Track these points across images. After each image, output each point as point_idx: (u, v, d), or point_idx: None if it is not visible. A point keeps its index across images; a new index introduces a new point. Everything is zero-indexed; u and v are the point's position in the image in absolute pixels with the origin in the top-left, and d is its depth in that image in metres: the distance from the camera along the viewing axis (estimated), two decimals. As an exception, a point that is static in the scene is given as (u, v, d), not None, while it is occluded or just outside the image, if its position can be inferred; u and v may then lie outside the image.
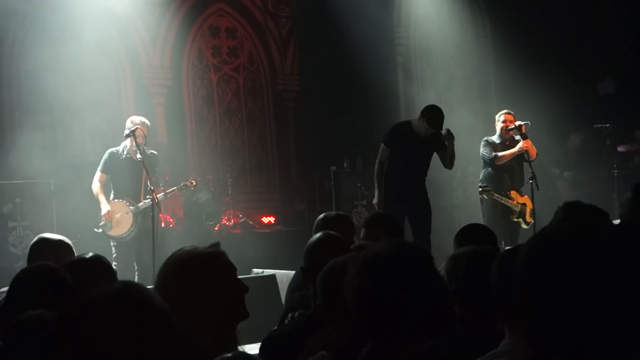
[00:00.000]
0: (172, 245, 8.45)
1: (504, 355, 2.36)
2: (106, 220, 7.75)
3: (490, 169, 8.85)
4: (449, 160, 8.10)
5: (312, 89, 11.58)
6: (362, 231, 4.77)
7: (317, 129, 11.27)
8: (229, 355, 1.95)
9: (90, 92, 9.44)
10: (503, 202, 8.65)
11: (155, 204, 7.58)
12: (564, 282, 1.63)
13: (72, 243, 4.43)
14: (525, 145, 8.68)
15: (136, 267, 7.87)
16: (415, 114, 11.91)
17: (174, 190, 8.11)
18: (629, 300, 1.61)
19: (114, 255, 7.80)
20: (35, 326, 2.42)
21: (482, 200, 8.81)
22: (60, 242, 4.40)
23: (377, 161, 8.04)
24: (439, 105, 8.12)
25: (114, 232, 7.81)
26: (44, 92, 9.17)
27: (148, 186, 7.64)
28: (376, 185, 7.97)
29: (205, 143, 11.11)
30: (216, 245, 2.63)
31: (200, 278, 2.48)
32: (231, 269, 2.60)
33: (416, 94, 12.10)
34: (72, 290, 2.91)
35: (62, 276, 2.99)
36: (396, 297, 2.28)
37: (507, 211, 8.71)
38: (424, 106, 8.22)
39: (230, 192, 10.33)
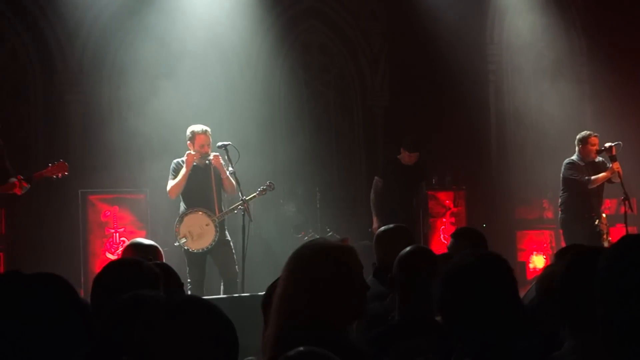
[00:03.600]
0: (262, 257, 8.63)
1: (572, 355, 2.38)
2: (185, 235, 7.62)
3: (575, 192, 8.69)
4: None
5: (402, 105, 11.60)
6: (450, 241, 4.93)
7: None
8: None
9: (185, 109, 9.67)
10: (601, 229, 8.52)
11: (247, 215, 7.56)
12: None
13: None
14: (617, 167, 8.53)
15: (222, 280, 7.72)
16: (506, 131, 11.91)
17: (254, 196, 7.89)
18: None
19: (188, 270, 7.63)
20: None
21: (564, 223, 8.73)
22: (151, 247, 4.56)
23: (372, 192, 9.33)
24: None
25: (195, 246, 7.62)
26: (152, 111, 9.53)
27: (222, 194, 7.71)
28: (374, 213, 9.22)
29: (294, 157, 11.24)
30: (346, 240, 2.74)
31: (339, 268, 2.54)
32: (360, 265, 2.67)
33: (507, 112, 11.99)
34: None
35: (151, 270, 3.02)
36: (478, 306, 2.36)
37: (597, 235, 8.56)
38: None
39: (318, 205, 10.43)
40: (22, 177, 7.35)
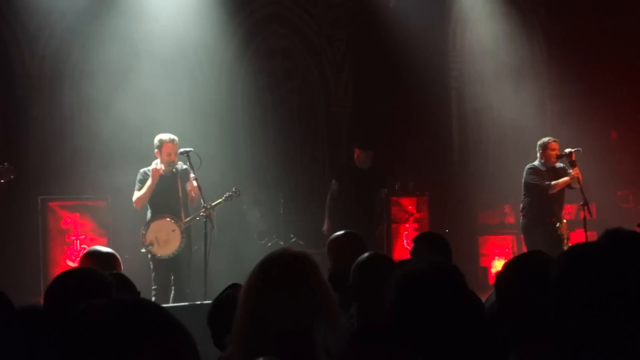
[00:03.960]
0: (224, 264, 8.59)
1: None
2: (151, 241, 7.66)
3: (536, 197, 8.78)
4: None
5: (365, 111, 11.64)
6: (412, 246, 4.92)
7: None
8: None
9: (149, 113, 9.63)
10: (562, 233, 8.63)
11: (209, 222, 7.59)
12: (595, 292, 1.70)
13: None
14: (576, 172, 8.64)
15: (173, 286, 7.73)
16: (468, 137, 12.01)
17: (219, 202, 7.95)
18: None
19: (153, 275, 7.70)
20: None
21: (525, 228, 8.83)
22: (109, 255, 4.52)
23: (329, 195, 9.43)
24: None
25: (161, 252, 7.67)
26: (114, 115, 9.45)
27: (187, 201, 7.75)
28: (327, 215, 9.35)
29: (258, 164, 11.23)
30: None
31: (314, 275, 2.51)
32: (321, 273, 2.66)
33: (470, 119, 12.10)
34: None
35: (104, 279, 2.99)
36: (428, 312, 2.37)
37: (557, 240, 8.65)
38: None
39: (282, 212, 10.42)
40: None
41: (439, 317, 2.39)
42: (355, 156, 9.34)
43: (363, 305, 3.36)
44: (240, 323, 2.37)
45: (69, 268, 4.05)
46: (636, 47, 11.48)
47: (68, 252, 8.71)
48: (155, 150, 7.76)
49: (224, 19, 10.78)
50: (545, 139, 8.96)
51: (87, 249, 4.83)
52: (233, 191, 8.09)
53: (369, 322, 3.34)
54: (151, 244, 7.64)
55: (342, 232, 4.87)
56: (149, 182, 7.64)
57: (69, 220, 8.80)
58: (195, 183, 7.68)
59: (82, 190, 9.23)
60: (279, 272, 2.45)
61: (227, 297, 3.10)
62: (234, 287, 3.18)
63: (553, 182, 8.70)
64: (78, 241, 8.71)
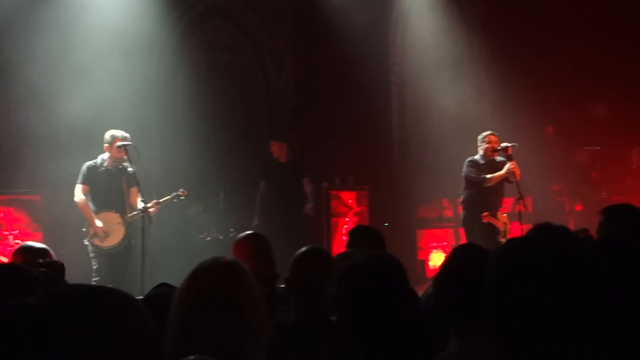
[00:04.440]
0: (163, 258, 8.52)
1: (456, 355, 2.45)
2: (97, 232, 7.70)
3: (475, 190, 8.92)
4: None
5: (306, 105, 11.65)
6: (347, 240, 4.92)
7: (310, 145, 11.33)
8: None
9: (87, 106, 9.46)
10: (494, 224, 8.75)
11: (147, 217, 7.58)
12: (528, 287, 1.74)
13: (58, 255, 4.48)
14: (513, 166, 8.78)
15: (111, 281, 7.67)
16: (407, 132, 12.11)
17: (166, 199, 8.05)
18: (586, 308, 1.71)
19: (95, 268, 7.71)
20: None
21: (465, 221, 8.94)
22: (41, 250, 4.47)
23: (258, 194, 9.86)
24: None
25: (106, 243, 7.73)
26: (41, 104, 9.25)
27: (128, 198, 7.75)
28: (256, 212, 9.83)
29: (198, 157, 11.13)
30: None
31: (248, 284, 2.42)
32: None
33: (409, 112, 12.20)
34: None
35: (31, 275, 2.96)
36: (370, 306, 2.38)
37: (494, 232, 8.80)
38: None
39: (222, 206, 10.36)
40: None
41: (380, 311, 2.40)
42: (271, 150, 9.78)
43: (300, 299, 3.37)
44: (169, 332, 2.31)
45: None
46: (573, 44, 11.72)
47: (1, 247, 8.52)
48: (106, 145, 7.81)
49: (164, 11, 10.65)
50: (485, 133, 9.11)
51: (20, 244, 4.74)
52: (181, 192, 8.19)
53: (307, 315, 3.35)
54: (95, 235, 7.64)
55: (246, 233, 4.80)
56: (93, 216, 7.64)
57: (2, 214, 8.62)
58: (132, 178, 7.67)
59: (15, 184, 9.03)
60: (209, 284, 2.34)
61: (153, 297, 3.04)
62: (163, 286, 3.14)
63: (488, 176, 8.84)
64: (11, 236, 8.54)
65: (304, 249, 3.53)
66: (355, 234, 4.92)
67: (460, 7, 12.36)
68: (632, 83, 11.60)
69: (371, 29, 11.42)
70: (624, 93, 11.69)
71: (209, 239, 9.48)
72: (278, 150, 9.77)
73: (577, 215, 11.33)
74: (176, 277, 2.78)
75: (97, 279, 7.58)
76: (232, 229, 10.16)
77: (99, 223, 7.71)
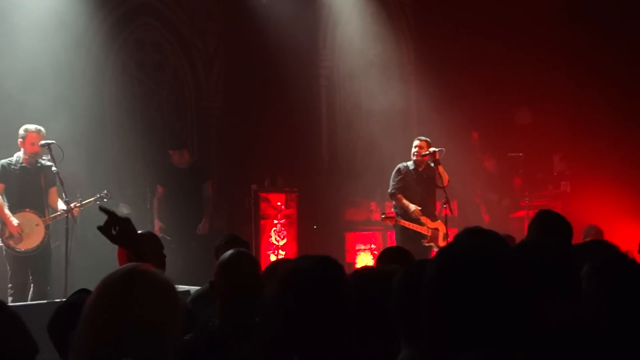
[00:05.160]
0: (87, 261, 8.34)
1: None
2: (12, 232, 7.41)
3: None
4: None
5: (236, 107, 11.62)
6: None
7: (240, 147, 11.31)
8: None
9: (9, 104, 9.24)
10: (412, 228, 8.90)
11: (71, 217, 7.41)
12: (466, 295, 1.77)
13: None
14: (441, 171, 8.93)
15: (32, 283, 7.47)
16: (337, 134, 12.20)
17: (89, 201, 7.82)
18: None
19: (10, 274, 7.40)
20: None
21: (395, 225, 9.08)
22: None
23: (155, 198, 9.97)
24: None
25: (22, 246, 7.43)
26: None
27: (47, 198, 7.55)
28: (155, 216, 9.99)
29: (125, 157, 10.98)
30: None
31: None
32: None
33: (338, 115, 12.29)
34: None
35: None
36: (305, 309, 2.36)
37: (418, 236, 8.94)
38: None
39: (149, 207, 10.24)
40: None
41: (319, 315, 2.38)
42: (173, 159, 9.95)
43: (224, 302, 3.37)
44: (78, 341, 2.16)
45: None
46: (497, 50, 11.98)
47: None
48: (19, 140, 7.60)
49: (91, 9, 10.47)
50: (416, 138, 9.25)
51: None
52: (104, 193, 7.97)
53: (231, 318, 3.35)
54: (10, 236, 7.33)
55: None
56: (8, 216, 7.35)
57: None
58: (56, 178, 7.45)
59: None
60: (114, 296, 2.14)
61: (71, 304, 2.97)
62: (82, 292, 3.08)
63: (392, 190, 9.02)
64: None
65: (230, 252, 3.52)
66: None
67: (389, 12, 12.54)
68: (554, 89, 11.93)
69: (301, 32, 11.47)
70: (546, 99, 12.02)
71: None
72: (178, 158, 9.95)
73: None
74: (91, 282, 2.71)
75: (10, 285, 7.32)
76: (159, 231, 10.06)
77: (14, 222, 7.40)
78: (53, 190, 7.66)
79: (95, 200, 7.87)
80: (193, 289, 4.49)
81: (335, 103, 12.31)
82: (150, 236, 4.63)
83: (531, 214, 10.73)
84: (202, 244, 9.52)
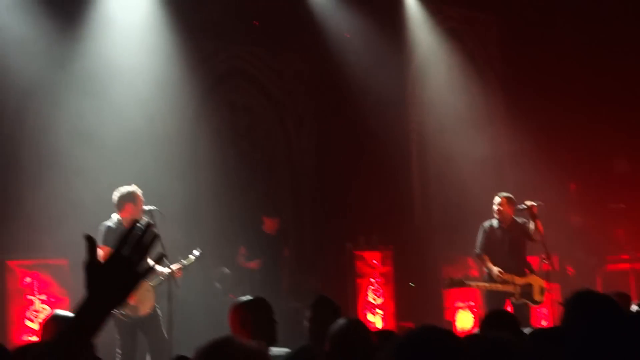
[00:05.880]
0: (189, 323, 8.41)
1: None
2: (129, 302, 7.47)
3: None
4: None
5: (327, 164, 11.67)
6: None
7: (332, 204, 11.33)
8: None
9: (106, 164, 9.49)
10: (494, 289, 8.67)
11: (173, 280, 7.43)
12: None
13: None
14: (539, 225, 8.69)
15: (149, 346, 7.50)
16: (429, 190, 12.09)
17: (191, 262, 7.83)
18: None
19: (120, 343, 7.38)
20: None
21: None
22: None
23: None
24: None
25: (137, 313, 7.39)
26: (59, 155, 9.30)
27: None
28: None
29: (220, 219, 11.09)
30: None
31: None
32: None
33: (430, 170, 12.20)
34: None
35: None
36: None
37: (503, 295, 8.71)
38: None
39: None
40: None
41: None
42: (265, 225, 10.01)
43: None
44: None
45: (29, 342, 3.83)
46: (590, 99, 11.75)
47: (27, 312, 8.48)
48: (128, 202, 7.50)
49: (185, 75, 10.76)
50: (497, 195, 9.05)
51: (51, 313, 4.68)
52: (200, 252, 7.97)
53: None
54: (126, 305, 7.39)
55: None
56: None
57: (28, 279, 8.58)
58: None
59: (41, 248, 8.99)
60: None
61: None
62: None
63: (479, 251, 8.80)
64: (38, 301, 8.50)
65: (342, 321, 3.48)
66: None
67: (476, 64, 12.47)
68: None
69: (389, 89, 11.49)
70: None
71: (235, 300, 9.37)
72: (273, 225, 9.99)
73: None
74: (197, 342, 2.67)
75: (120, 352, 7.35)
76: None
77: None
78: None
79: (195, 260, 7.91)
80: (281, 350, 4.44)
81: (426, 157, 12.24)
82: (261, 302, 4.60)
83: (637, 267, 10.35)
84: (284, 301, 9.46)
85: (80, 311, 1.83)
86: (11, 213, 9.43)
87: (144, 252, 1.88)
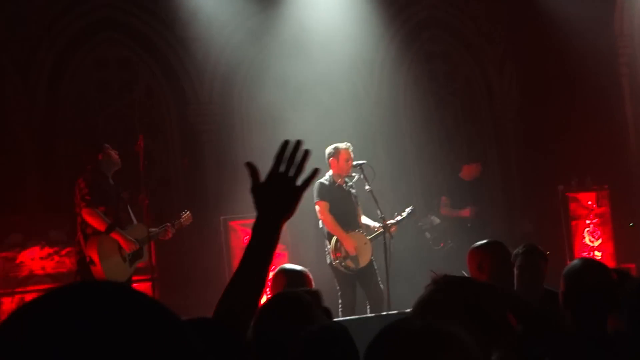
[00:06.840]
0: (400, 273, 8.55)
1: None
2: (350, 252, 7.59)
3: None
4: None
5: (532, 107, 11.33)
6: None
7: (540, 147, 11.01)
8: None
9: (314, 128, 9.73)
10: None
11: (389, 234, 7.61)
12: None
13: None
14: None
15: (368, 300, 7.68)
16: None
17: (402, 218, 8.02)
18: None
19: (340, 293, 7.60)
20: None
21: None
22: (301, 273, 4.57)
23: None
24: None
25: (357, 265, 7.63)
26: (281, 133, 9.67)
27: (359, 217, 7.78)
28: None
29: (424, 171, 11.10)
30: None
31: None
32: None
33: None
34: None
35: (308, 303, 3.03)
36: None
37: None
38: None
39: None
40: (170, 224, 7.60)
41: None
42: (462, 172, 9.63)
43: (574, 313, 3.26)
44: None
45: (274, 295, 3.99)
46: None
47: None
48: (331, 158, 7.71)
49: (379, 30, 10.82)
50: None
51: (279, 266, 4.90)
52: (412, 209, 8.15)
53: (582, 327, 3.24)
54: (346, 256, 7.60)
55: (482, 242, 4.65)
56: (345, 237, 7.59)
57: (248, 237, 8.98)
58: (371, 196, 7.67)
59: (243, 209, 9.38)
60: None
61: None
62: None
63: None
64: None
65: (577, 262, 3.42)
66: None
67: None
68: None
69: (593, 21, 10.87)
70: None
71: (446, 248, 9.40)
72: (470, 171, 9.62)
73: None
74: (413, 294, 2.66)
75: (341, 302, 7.58)
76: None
77: (351, 242, 7.64)
78: (359, 211, 7.91)
79: (407, 217, 8.08)
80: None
81: (638, 90, 11.51)
82: (498, 245, 4.63)
83: None
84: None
85: (256, 227, 2.07)
86: (229, 176, 9.97)
87: (298, 166, 2.05)
